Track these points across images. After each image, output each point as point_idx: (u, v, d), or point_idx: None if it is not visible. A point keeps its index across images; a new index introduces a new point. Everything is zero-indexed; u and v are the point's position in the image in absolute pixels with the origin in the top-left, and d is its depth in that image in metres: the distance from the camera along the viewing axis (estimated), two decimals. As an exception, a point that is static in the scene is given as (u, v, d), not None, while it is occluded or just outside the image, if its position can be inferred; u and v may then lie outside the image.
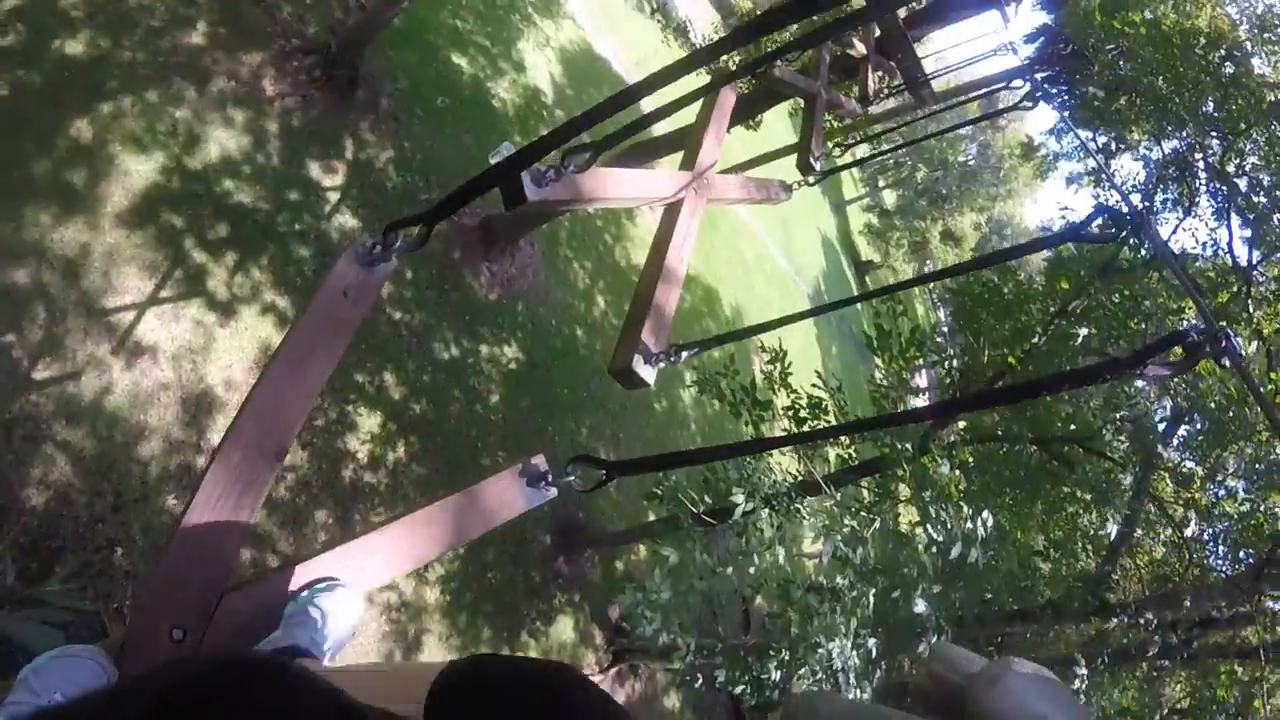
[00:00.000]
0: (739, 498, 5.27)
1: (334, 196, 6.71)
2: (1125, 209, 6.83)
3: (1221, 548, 7.06)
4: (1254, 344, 6.49)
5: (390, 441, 6.58)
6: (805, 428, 7.36)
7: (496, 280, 8.55)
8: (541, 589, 7.78)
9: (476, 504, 2.28)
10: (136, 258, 4.89)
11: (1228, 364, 1.41)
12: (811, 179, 4.62)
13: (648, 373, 2.79)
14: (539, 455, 2.42)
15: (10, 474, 3.92)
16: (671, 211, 3.34)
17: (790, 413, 7.27)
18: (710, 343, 2.94)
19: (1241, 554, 6.66)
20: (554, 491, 2.41)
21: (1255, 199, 6.67)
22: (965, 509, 4.80)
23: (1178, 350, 1.42)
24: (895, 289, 3.30)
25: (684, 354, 2.78)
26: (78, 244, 4.63)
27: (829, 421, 7.21)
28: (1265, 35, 7.73)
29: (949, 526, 4.73)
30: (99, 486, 4.19)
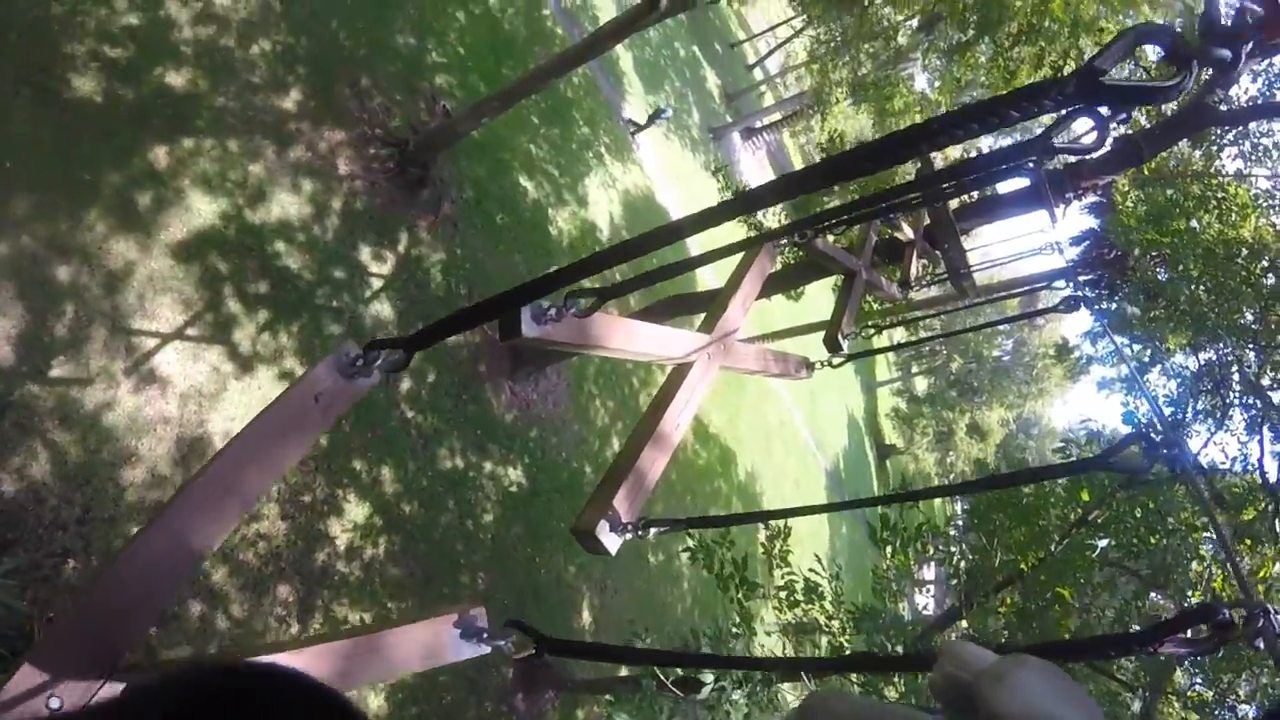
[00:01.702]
0: (708, 675, 4.99)
1: (377, 283, 6.94)
2: (1158, 422, 6.82)
3: None
4: (1278, 565, 6.24)
5: (373, 536, 6.48)
6: (798, 610, 7.14)
7: (517, 401, 8.63)
8: (492, 723, 7.38)
9: (402, 646, 2.20)
10: (174, 290, 5.06)
11: (1262, 645, 1.25)
12: (836, 360, 4.54)
13: (611, 541, 2.66)
14: (479, 607, 2.32)
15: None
16: (679, 373, 3.25)
17: (784, 593, 7.06)
18: (682, 524, 2.76)
19: None
20: (486, 649, 2.32)
21: None
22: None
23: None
24: (916, 497, 3.14)
25: (652, 530, 2.65)
26: (124, 260, 4.82)
27: (824, 607, 6.98)
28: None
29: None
30: (71, 495, 4.16)
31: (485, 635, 2.26)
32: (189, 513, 1.75)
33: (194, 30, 5.91)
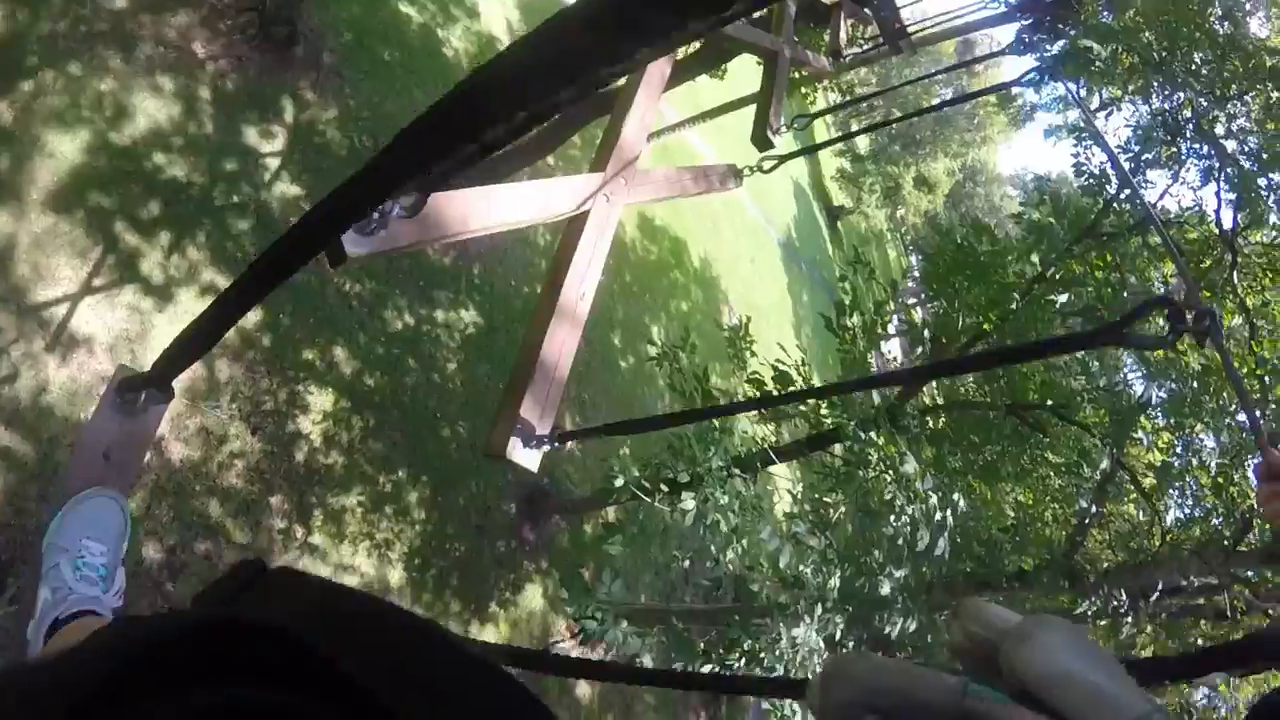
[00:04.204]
0: (689, 503, 5.03)
1: (274, 163, 6.54)
2: (1113, 172, 6.85)
3: (1191, 508, 7.21)
4: (1237, 318, 6.51)
5: (344, 420, 6.56)
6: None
7: (451, 242, 8.41)
8: (508, 558, 7.89)
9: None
10: (67, 244, 4.79)
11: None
12: (768, 164, 4.13)
13: (528, 458, 2.43)
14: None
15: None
16: (574, 228, 2.75)
17: (751, 385, 7.25)
18: (598, 431, 2.62)
19: (1214, 521, 6.80)
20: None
21: (1243, 163, 6.57)
22: (932, 499, 4.87)
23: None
24: (886, 382, 2.95)
25: (569, 443, 2.51)
26: (3, 235, 4.53)
27: (802, 389, 7.21)
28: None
29: (915, 517, 4.81)
30: (46, 491, 4.15)
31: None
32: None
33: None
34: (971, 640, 0.77)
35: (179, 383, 5.12)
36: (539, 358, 2.52)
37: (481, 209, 2.37)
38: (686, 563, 5.59)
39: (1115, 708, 0.57)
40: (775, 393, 7.28)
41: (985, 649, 0.74)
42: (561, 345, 2.61)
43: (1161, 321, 1.34)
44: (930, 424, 6.57)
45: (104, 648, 0.52)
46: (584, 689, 8.19)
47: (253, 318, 5.96)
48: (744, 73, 9.41)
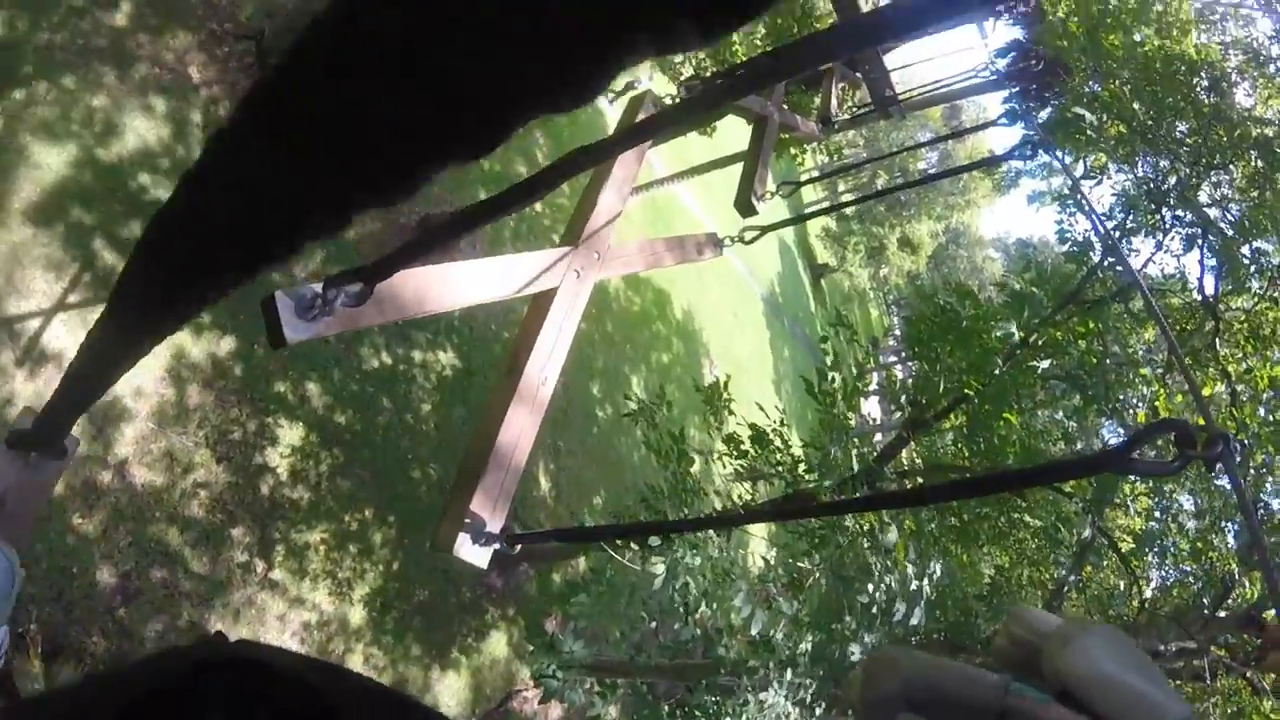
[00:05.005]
0: (658, 567, 4.97)
1: (262, 192, 6.54)
2: (1095, 238, 7.01)
3: (1170, 572, 7.21)
4: (1220, 385, 6.59)
5: (313, 454, 6.50)
6: (747, 459, 7.34)
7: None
8: (474, 604, 7.77)
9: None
10: (43, 258, 4.77)
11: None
12: (750, 234, 3.97)
13: (477, 555, 2.29)
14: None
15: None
16: (538, 307, 2.60)
17: (729, 444, 7.23)
18: (550, 535, 2.42)
19: (1194, 587, 6.80)
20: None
21: (1225, 231, 6.74)
22: (909, 569, 4.85)
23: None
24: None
25: (518, 546, 2.33)
26: (-21, 245, 4.48)
27: (774, 449, 7.18)
28: (1259, 70, 7.85)
29: (891, 587, 4.78)
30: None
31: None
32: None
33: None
34: (1014, 643, 0.79)
35: (147, 404, 5.07)
36: (494, 447, 2.37)
37: (439, 290, 2.28)
38: (654, 624, 5.51)
39: (1152, 710, 0.58)
40: (755, 453, 7.26)
41: (1027, 651, 0.76)
42: (519, 434, 2.44)
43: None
44: (909, 486, 6.57)
45: (123, 678, 0.56)
46: (556, 712, 8.00)
47: (225, 346, 5.93)
48: (734, 130, 9.58)
